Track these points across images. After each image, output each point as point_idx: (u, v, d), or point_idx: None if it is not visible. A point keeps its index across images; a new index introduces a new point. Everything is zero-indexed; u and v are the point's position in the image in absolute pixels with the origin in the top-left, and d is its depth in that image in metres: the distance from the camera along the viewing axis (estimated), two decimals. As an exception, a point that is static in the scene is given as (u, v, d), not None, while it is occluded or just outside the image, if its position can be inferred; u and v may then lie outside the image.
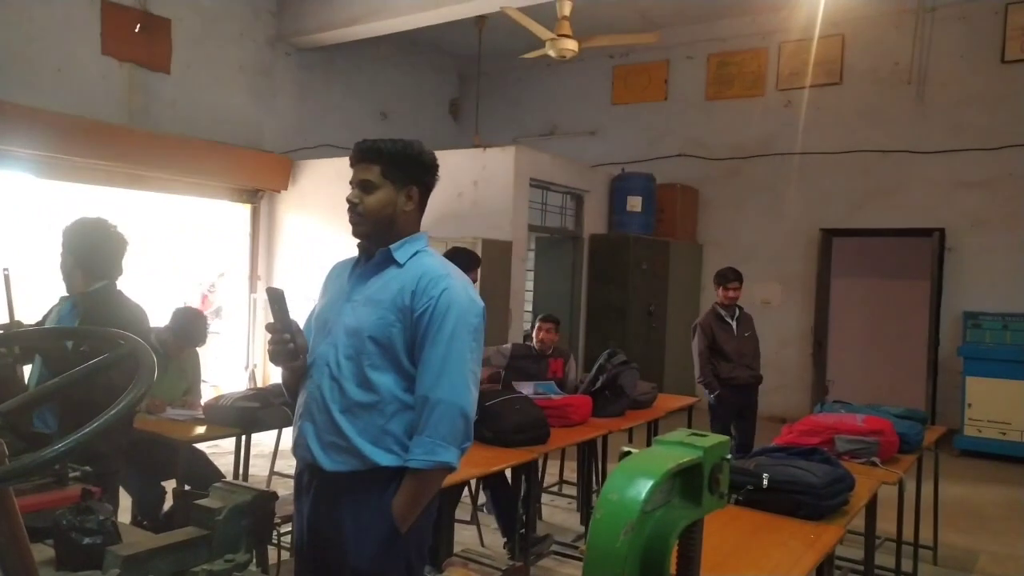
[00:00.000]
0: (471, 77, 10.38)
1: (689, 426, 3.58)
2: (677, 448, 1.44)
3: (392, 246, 1.93)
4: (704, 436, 1.49)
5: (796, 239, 8.72)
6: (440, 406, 1.83)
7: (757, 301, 8.18)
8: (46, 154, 6.34)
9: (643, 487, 1.30)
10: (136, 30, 7.12)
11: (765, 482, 2.38)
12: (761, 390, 5.50)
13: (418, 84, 10.41)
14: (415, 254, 1.95)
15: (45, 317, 2.76)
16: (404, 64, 9.97)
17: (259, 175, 8.09)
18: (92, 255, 2.62)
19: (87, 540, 1.85)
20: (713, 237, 9.24)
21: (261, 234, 8.30)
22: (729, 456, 1.49)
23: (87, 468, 2.03)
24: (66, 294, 2.73)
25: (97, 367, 1.30)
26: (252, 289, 8.17)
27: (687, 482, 1.42)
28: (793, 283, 8.75)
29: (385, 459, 1.86)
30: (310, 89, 8.86)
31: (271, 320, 1.91)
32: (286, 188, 8.25)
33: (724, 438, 1.48)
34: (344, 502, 1.88)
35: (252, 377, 7.48)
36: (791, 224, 8.75)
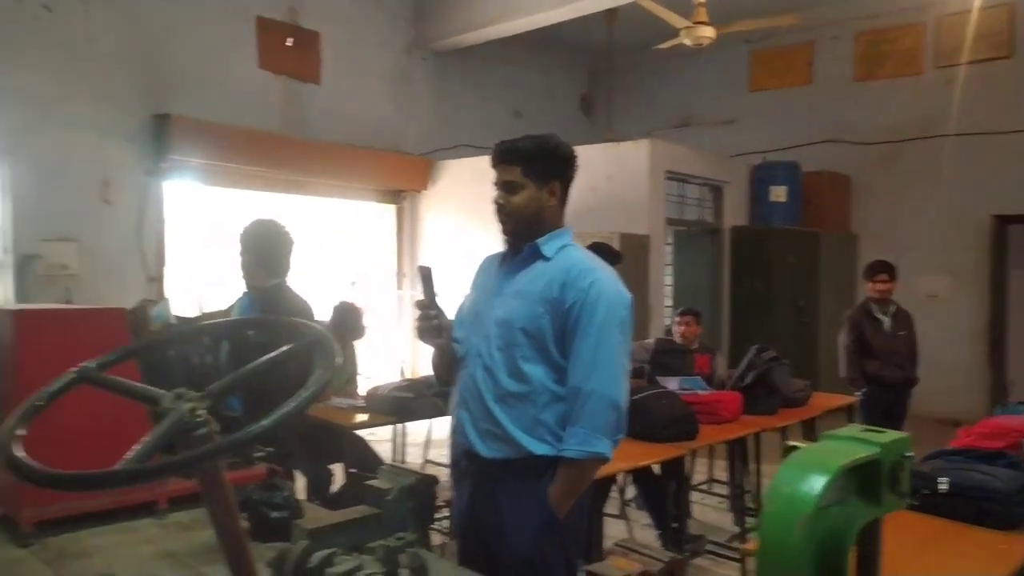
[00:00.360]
0: (602, 71, 10.30)
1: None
2: (850, 443, 1.39)
3: (539, 240, 1.97)
4: (881, 432, 1.42)
5: (964, 227, 8.00)
6: (592, 397, 1.85)
7: (922, 295, 7.57)
8: (212, 162, 6.92)
9: (817, 482, 1.26)
10: (289, 44, 7.62)
11: (944, 486, 2.21)
12: (929, 391, 5.12)
13: (549, 81, 10.47)
14: (562, 248, 1.98)
15: (230, 309, 3.02)
16: (535, 62, 10.05)
17: (402, 176, 8.44)
18: (269, 253, 2.84)
19: (275, 514, 2.01)
20: (868, 227, 8.64)
21: (405, 233, 8.67)
22: (911, 454, 1.42)
23: (269, 449, 2.20)
24: (246, 290, 2.97)
25: (289, 354, 1.41)
26: (399, 286, 8.56)
27: (863, 480, 1.36)
28: (962, 275, 8.03)
29: (539, 448, 1.90)
30: (446, 92, 9.13)
31: (421, 298, 1.99)
32: (426, 188, 8.55)
33: (904, 435, 1.41)
34: (501, 488, 1.94)
35: (401, 370, 7.82)
36: (957, 211, 8.03)
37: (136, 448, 1.06)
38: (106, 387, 1.30)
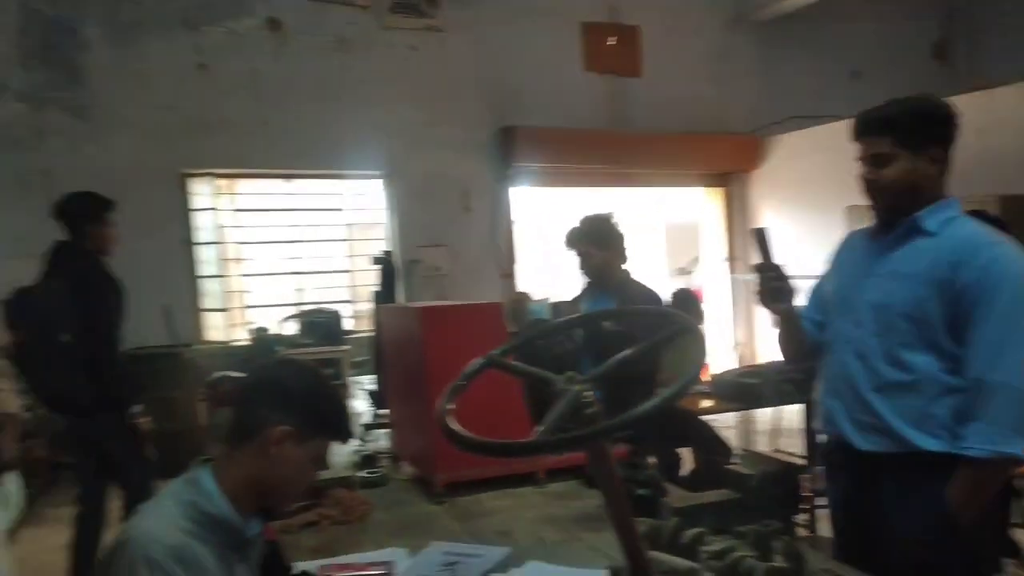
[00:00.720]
0: (961, 11, 8.87)
1: None
2: None
3: (919, 214, 1.77)
4: None
5: None
6: (1001, 391, 1.63)
7: None
8: (549, 165, 7.49)
9: None
10: (611, 43, 7.90)
11: None
12: None
13: (893, 32, 9.30)
14: (949, 220, 1.76)
15: (576, 300, 3.23)
16: (874, 13, 9.01)
17: (728, 158, 8.23)
18: (621, 244, 3.00)
19: (640, 491, 2.14)
20: None
21: (735, 216, 8.45)
22: None
23: (628, 430, 2.33)
24: (589, 281, 3.15)
25: (662, 341, 1.48)
26: (731, 270, 8.39)
27: None
28: None
29: (930, 443, 1.72)
30: (771, 63, 8.64)
31: (759, 261, 1.93)
32: (756, 167, 8.22)
33: None
34: (886, 485, 1.80)
35: (739, 357, 7.67)
36: None
37: (544, 423, 1.23)
38: (508, 370, 1.51)
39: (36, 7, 5.85)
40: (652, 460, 2.47)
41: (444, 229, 7.08)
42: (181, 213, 6.39)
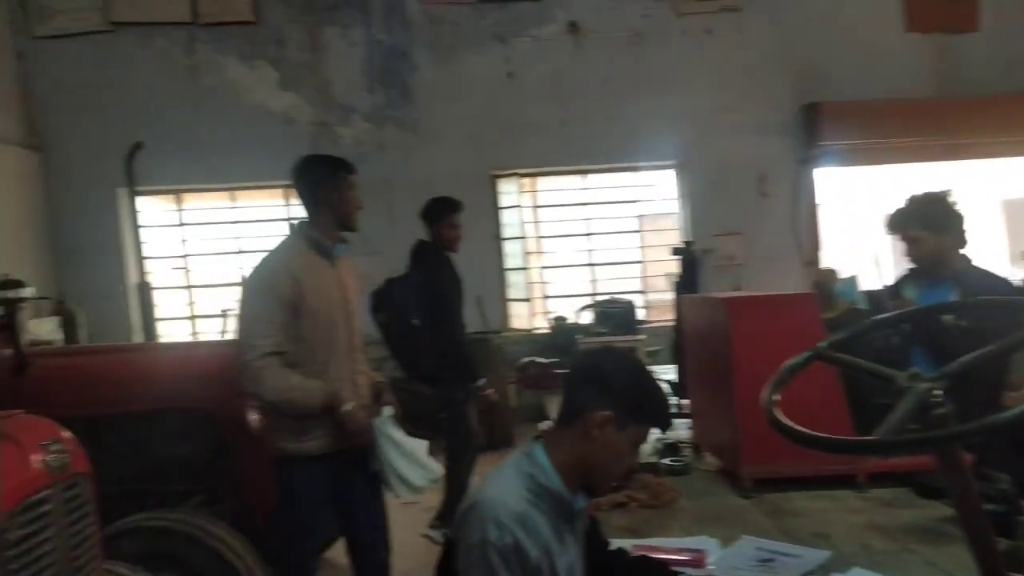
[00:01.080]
0: None
1: None
2: None
3: None
4: None
5: None
6: None
7: None
8: (859, 141, 6.79)
9: None
10: (940, -3, 6.93)
11: None
12: None
13: None
14: None
15: (896, 287, 2.89)
16: None
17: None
18: (960, 226, 2.65)
19: (990, 506, 1.89)
20: None
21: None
22: None
23: (982, 437, 2.06)
24: (909, 270, 2.82)
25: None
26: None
27: None
28: None
29: None
30: None
31: None
32: None
33: None
34: None
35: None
36: None
37: (887, 423, 1.15)
38: (838, 364, 1.43)
39: (379, 38, 6.81)
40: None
41: (739, 217, 6.84)
42: (491, 211, 6.99)
